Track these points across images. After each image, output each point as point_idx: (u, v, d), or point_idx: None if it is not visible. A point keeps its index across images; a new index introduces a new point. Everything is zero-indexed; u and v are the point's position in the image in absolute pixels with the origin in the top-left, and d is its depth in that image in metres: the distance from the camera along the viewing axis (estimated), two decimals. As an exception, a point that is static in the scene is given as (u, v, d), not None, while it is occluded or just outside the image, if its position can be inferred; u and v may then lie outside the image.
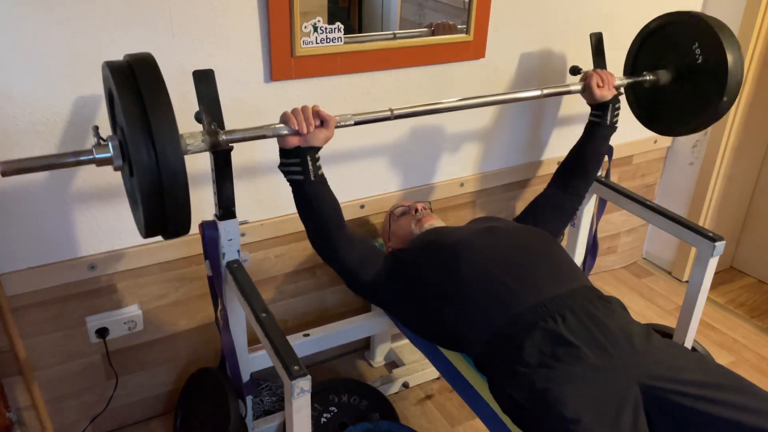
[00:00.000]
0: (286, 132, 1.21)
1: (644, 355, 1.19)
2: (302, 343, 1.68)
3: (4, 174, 0.98)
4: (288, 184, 1.31)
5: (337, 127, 1.28)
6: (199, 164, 1.55)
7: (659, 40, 1.78)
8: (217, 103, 1.25)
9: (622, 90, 1.71)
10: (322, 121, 1.24)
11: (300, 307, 1.91)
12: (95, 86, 1.35)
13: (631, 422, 1.07)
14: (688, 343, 1.74)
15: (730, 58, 1.59)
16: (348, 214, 1.83)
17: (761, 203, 2.52)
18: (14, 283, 1.44)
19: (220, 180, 1.28)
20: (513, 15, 1.84)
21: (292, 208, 1.76)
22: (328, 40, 1.54)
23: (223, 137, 1.19)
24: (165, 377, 1.77)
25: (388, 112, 1.37)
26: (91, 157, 1.04)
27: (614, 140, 1.95)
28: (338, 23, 1.53)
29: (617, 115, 1.65)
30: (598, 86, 1.60)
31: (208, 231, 1.35)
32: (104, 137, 1.06)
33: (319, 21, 1.51)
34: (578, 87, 1.63)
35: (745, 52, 2.15)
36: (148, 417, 1.80)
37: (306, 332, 1.72)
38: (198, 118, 1.26)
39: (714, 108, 1.65)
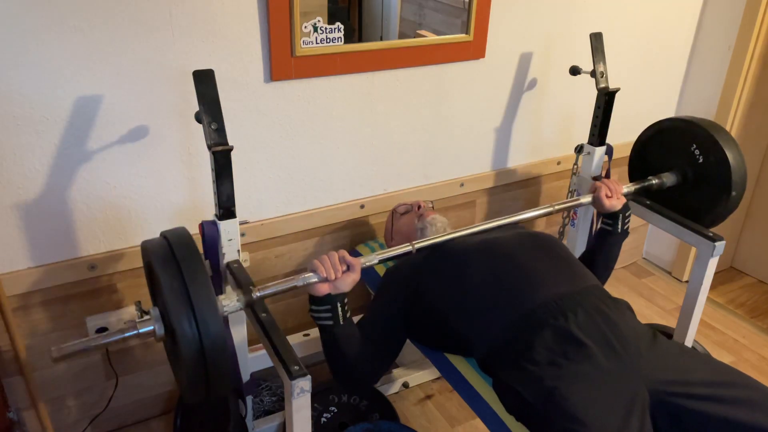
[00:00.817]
0: (315, 280, 1.23)
1: (652, 358, 1.19)
2: (302, 343, 1.68)
3: (56, 360, 1.04)
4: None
5: (363, 268, 1.29)
6: (200, 163, 1.55)
7: (657, 146, 1.83)
8: (217, 103, 1.25)
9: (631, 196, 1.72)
10: (348, 266, 1.26)
11: (300, 307, 1.91)
12: (95, 86, 1.35)
13: (638, 424, 1.07)
14: (688, 343, 1.74)
15: (730, 155, 1.63)
16: (348, 214, 1.83)
17: (761, 203, 2.52)
18: (14, 283, 1.44)
19: (220, 180, 1.28)
20: (513, 15, 1.84)
21: (291, 208, 1.76)
22: (328, 40, 1.54)
23: (256, 294, 1.21)
24: (165, 377, 1.77)
25: (410, 247, 1.38)
26: (135, 332, 1.09)
27: (614, 140, 1.95)
28: (338, 23, 1.53)
29: (628, 222, 1.64)
30: (607, 197, 1.60)
31: (208, 231, 1.35)
32: (146, 310, 1.11)
33: (319, 21, 1.51)
34: (588, 199, 1.64)
35: (745, 52, 2.16)
36: (148, 417, 1.80)
37: (306, 332, 1.71)
38: (198, 118, 1.26)
39: (724, 204, 1.68)
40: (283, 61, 1.52)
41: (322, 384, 1.81)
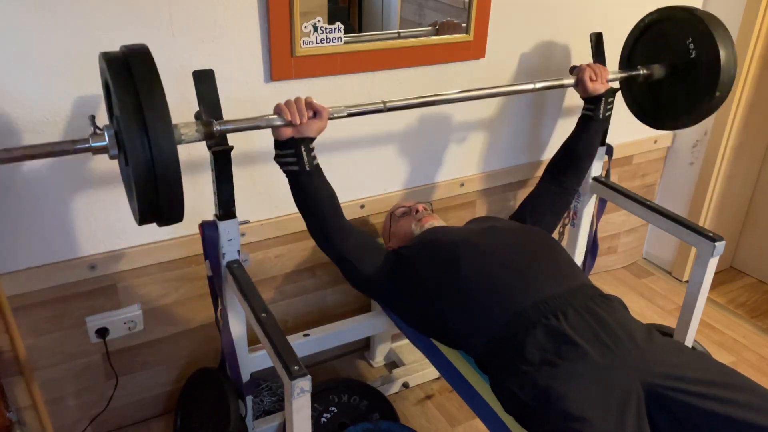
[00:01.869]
0: (279, 123, 1.22)
1: (646, 353, 1.19)
2: (302, 343, 1.68)
3: (1, 161, 1.00)
4: (285, 177, 1.32)
5: (330, 118, 1.29)
6: (199, 164, 1.55)
7: (654, 35, 1.79)
8: (217, 103, 1.25)
9: (617, 85, 1.71)
10: (315, 112, 1.25)
11: (300, 307, 1.91)
12: (95, 86, 1.35)
13: (635, 420, 1.08)
14: (688, 343, 1.74)
15: (722, 53, 1.59)
16: (348, 214, 1.82)
17: (761, 203, 2.52)
18: (14, 283, 1.44)
19: (220, 180, 1.28)
20: (513, 15, 1.84)
21: (291, 208, 1.76)
22: (328, 40, 1.54)
23: (217, 128, 1.20)
24: (165, 377, 1.77)
25: (381, 105, 1.38)
26: (87, 145, 1.06)
27: (614, 140, 1.95)
28: (338, 23, 1.53)
29: (610, 109, 1.66)
30: (591, 80, 1.61)
31: (208, 231, 1.35)
32: (101, 126, 1.08)
33: (319, 21, 1.51)
34: (571, 81, 1.64)
35: (745, 52, 2.15)
36: (148, 417, 1.80)
37: (306, 332, 1.71)
38: (198, 118, 1.26)
39: (707, 103, 1.66)
40: (283, 61, 1.52)
41: (322, 384, 1.82)
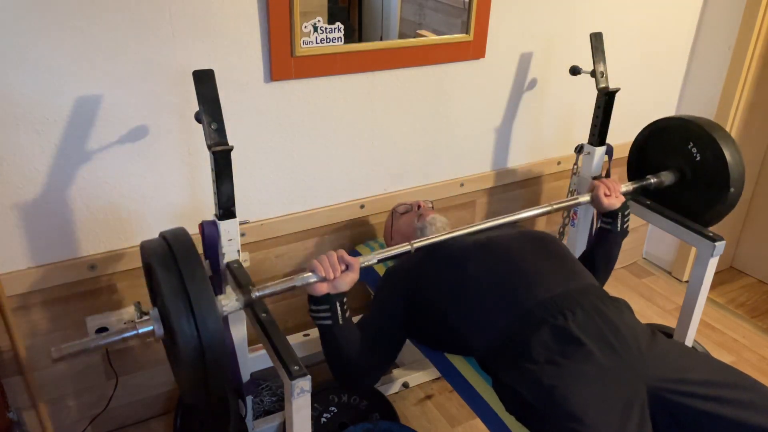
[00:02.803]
0: (314, 280, 1.23)
1: (650, 356, 1.19)
2: (302, 343, 1.68)
3: (55, 361, 1.07)
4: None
5: (362, 267, 1.29)
6: (199, 164, 1.55)
7: (654, 145, 1.83)
8: (217, 103, 1.25)
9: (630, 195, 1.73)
10: (347, 265, 1.26)
11: (300, 307, 1.91)
12: (95, 86, 1.36)
13: (637, 423, 1.07)
14: (688, 343, 1.74)
15: (726, 152, 1.63)
16: (348, 214, 1.83)
17: (761, 203, 2.52)
18: (14, 283, 1.44)
19: (220, 180, 1.28)
20: (513, 15, 1.84)
21: (291, 208, 1.76)
22: (328, 40, 1.54)
23: (255, 294, 1.21)
24: (165, 377, 1.77)
25: (409, 246, 1.39)
26: (134, 332, 1.08)
27: (614, 140, 1.95)
28: (338, 23, 1.53)
29: (627, 221, 1.64)
30: (606, 195, 1.61)
31: (208, 231, 1.35)
32: (146, 311, 1.11)
33: (319, 21, 1.51)
34: (586, 198, 1.65)
35: (745, 52, 2.16)
36: (148, 417, 1.80)
37: (306, 332, 1.71)
38: (198, 118, 1.26)
39: (723, 201, 1.68)
40: (283, 61, 1.52)
41: (322, 384, 1.81)
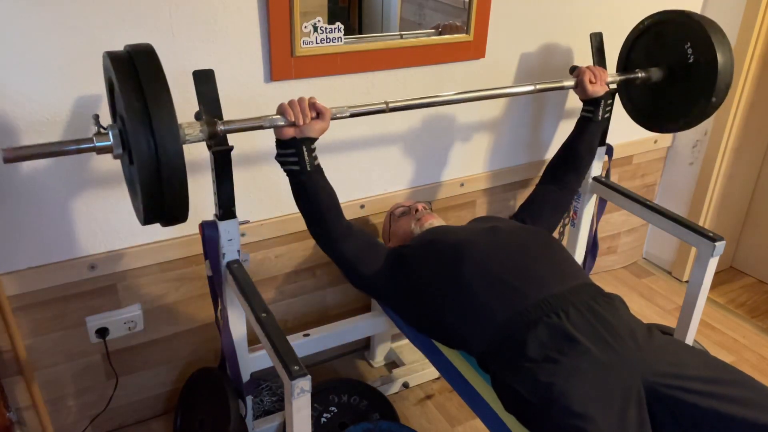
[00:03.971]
0: (282, 123, 1.23)
1: (647, 351, 1.19)
2: (302, 343, 1.68)
3: (6, 160, 1.00)
4: (285, 175, 1.33)
5: (333, 119, 1.30)
6: (200, 164, 1.55)
7: (652, 39, 1.79)
8: (217, 103, 1.25)
9: (615, 87, 1.72)
10: (318, 113, 1.26)
11: (300, 307, 1.91)
12: (95, 86, 1.35)
13: (636, 417, 1.08)
14: (688, 343, 1.74)
15: (720, 59, 1.60)
16: (348, 214, 1.82)
17: (761, 203, 2.52)
18: (14, 283, 1.44)
19: (220, 180, 1.28)
20: (513, 15, 1.84)
21: (292, 208, 1.76)
22: (328, 40, 1.54)
23: (220, 127, 1.20)
24: (165, 377, 1.77)
25: (384, 105, 1.39)
26: (91, 145, 1.06)
27: (614, 140, 1.95)
28: (338, 23, 1.53)
29: (609, 111, 1.68)
30: (591, 82, 1.63)
31: (208, 231, 1.35)
32: (104, 126, 1.08)
33: (319, 21, 1.51)
34: (571, 83, 1.66)
35: (745, 52, 2.15)
36: (148, 417, 1.80)
37: (306, 332, 1.72)
38: (198, 118, 1.26)
39: (702, 108, 1.66)
40: (283, 61, 1.52)
41: (322, 384, 1.82)
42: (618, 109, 1.84)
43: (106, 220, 1.50)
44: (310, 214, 1.35)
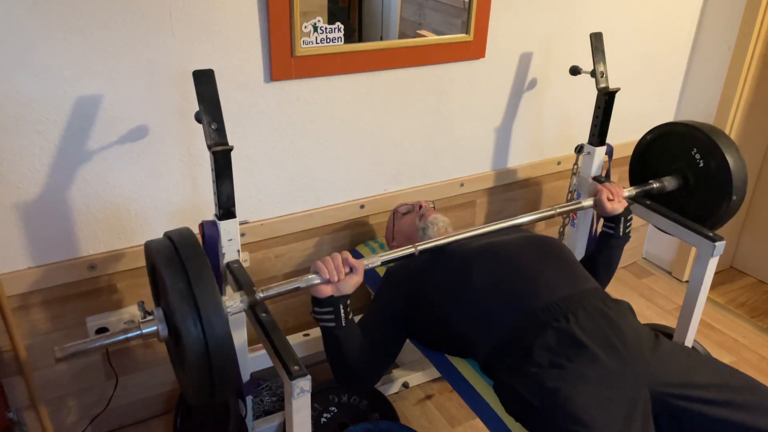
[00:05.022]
0: (318, 281, 1.23)
1: (654, 360, 1.19)
2: (302, 343, 1.68)
3: (58, 360, 1.03)
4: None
5: (366, 269, 1.29)
6: (200, 163, 1.55)
7: (657, 150, 1.84)
8: (217, 103, 1.25)
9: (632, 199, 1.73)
10: (351, 268, 1.26)
11: (300, 307, 1.91)
12: (95, 86, 1.36)
13: (641, 426, 1.07)
14: (688, 343, 1.74)
15: (730, 160, 1.64)
16: (348, 214, 1.83)
17: (761, 203, 2.52)
18: (14, 283, 1.44)
19: (220, 180, 1.28)
20: (513, 15, 1.84)
21: (292, 208, 1.76)
22: (328, 40, 1.54)
23: (260, 295, 1.22)
24: (165, 377, 1.77)
25: (413, 249, 1.38)
26: (138, 332, 1.08)
27: (614, 140, 1.95)
28: (338, 23, 1.53)
29: (630, 225, 1.64)
30: (609, 200, 1.61)
31: (208, 231, 1.35)
32: (149, 310, 1.10)
33: (319, 21, 1.51)
34: (590, 202, 1.65)
35: (745, 52, 2.16)
36: (148, 417, 1.80)
37: (306, 332, 1.71)
38: (198, 118, 1.26)
39: (725, 208, 1.69)
40: (283, 61, 1.52)
41: (322, 384, 1.81)
42: (618, 109, 1.84)
43: (106, 220, 1.50)
44: (340, 364, 1.33)
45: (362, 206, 1.84)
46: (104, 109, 1.39)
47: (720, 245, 1.60)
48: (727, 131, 2.27)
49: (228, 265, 1.37)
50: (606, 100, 1.78)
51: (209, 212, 1.39)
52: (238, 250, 1.38)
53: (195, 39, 1.42)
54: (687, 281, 1.88)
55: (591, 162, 1.87)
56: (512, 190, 2.14)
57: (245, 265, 1.39)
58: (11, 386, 1.54)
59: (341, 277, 1.23)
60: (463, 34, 1.76)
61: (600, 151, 1.87)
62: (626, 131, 2.21)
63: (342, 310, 1.25)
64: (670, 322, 2.23)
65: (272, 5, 1.45)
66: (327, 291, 1.23)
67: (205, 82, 1.24)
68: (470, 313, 1.32)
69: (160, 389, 1.78)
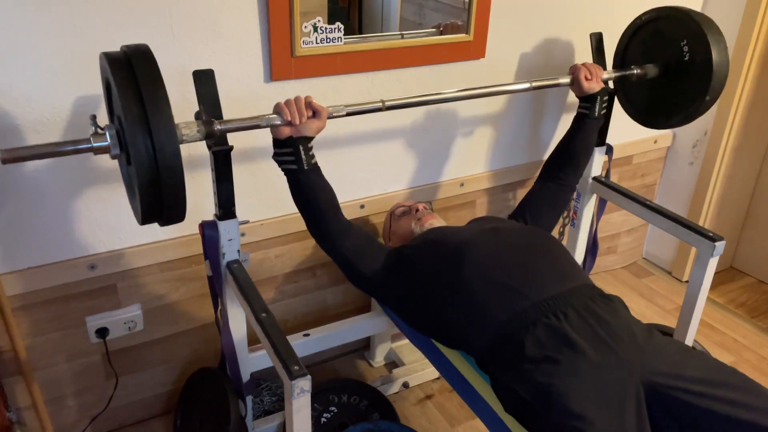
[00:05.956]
0: (279, 122, 1.23)
1: (646, 352, 1.19)
2: (302, 343, 1.68)
3: (4, 161, 1.00)
4: (283, 174, 1.33)
5: (329, 117, 1.30)
6: (200, 163, 1.55)
7: (649, 35, 1.79)
8: (217, 103, 1.25)
9: (612, 84, 1.73)
10: (315, 112, 1.27)
11: (300, 307, 1.91)
12: (95, 86, 1.36)
13: (635, 418, 1.08)
14: (688, 343, 1.74)
15: (715, 57, 1.61)
16: (348, 214, 1.82)
17: (761, 203, 2.52)
18: (14, 283, 1.44)
19: (220, 180, 1.28)
20: (513, 15, 1.84)
21: (292, 208, 1.76)
22: (328, 40, 1.54)
23: (218, 127, 1.21)
24: (165, 377, 1.77)
25: (380, 104, 1.39)
26: (88, 145, 1.06)
27: (614, 140, 1.95)
28: (338, 23, 1.53)
29: (605, 107, 1.68)
30: (586, 79, 1.64)
31: (208, 231, 1.35)
32: (102, 126, 1.08)
33: (319, 21, 1.51)
34: (567, 80, 1.66)
35: (745, 52, 2.16)
36: (148, 417, 1.80)
37: (306, 332, 1.72)
38: (198, 118, 1.26)
39: (696, 106, 1.67)
40: (283, 61, 1.52)
41: (322, 384, 1.82)
42: (618, 108, 1.84)
43: (106, 220, 1.50)
44: (308, 213, 1.36)
45: (362, 206, 1.84)
46: (104, 109, 1.39)
47: (720, 245, 1.60)
48: (727, 131, 2.28)
49: (228, 265, 1.37)
50: (606, 100, 1.78)
51: (209, 212, 1.39)
52: (238, 250, 1.38)
53: (195, 39, 1.42)
54: (687, 281, 1.88)
55: (591, 162, 1.87)
56: (512, 190, 2.14)
57: (245, 265, 1.39)
58: (11, 386, 1.54)
59: (303, 119, 1.24)
60: (463, 34, 1.76)
61: (600, 151, 1.87)
62: (626, 131, 2.21)
63: (303, 152, 1.25)
64: (670, 322, 2.23)
65: (272, 5, 1.45)
66: (286, 132, 1.25)
67: (205, 82, 1.25)
68: (463, 306, 1.33)
69: (160, 389, 1.78)
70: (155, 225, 1.54)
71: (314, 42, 1.52)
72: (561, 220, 2.04)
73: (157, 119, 0.99)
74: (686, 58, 1.67)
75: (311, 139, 1.29)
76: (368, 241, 1.46)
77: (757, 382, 1.16)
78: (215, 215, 1.34)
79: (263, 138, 1.60)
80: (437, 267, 1.39)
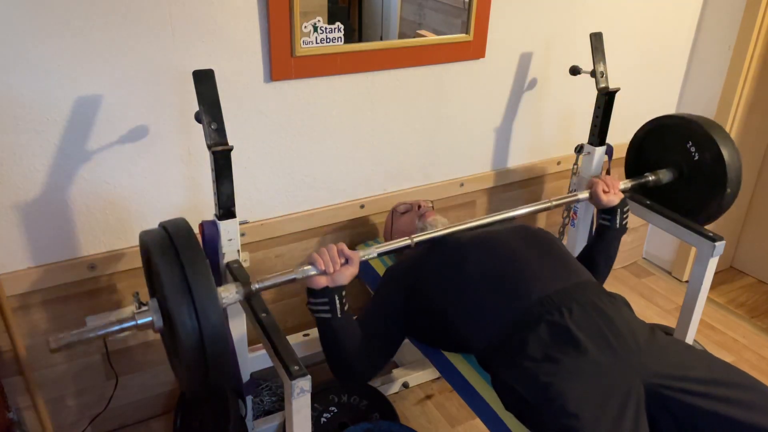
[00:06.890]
0: (314, 272, 1.23)
1: (648, 353, 1.19)
2: (302, 343, 1.68)
3: (52, 351, 1.03)
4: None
5: (361, 260, 1.29)
6: (200, 163, 1.55)
7: (653, 143, 1.83)
8: (217, 103, 1.25)
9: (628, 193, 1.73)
10: (347, 259, 1.26)
11: (300, 307, 1.91)
12: (95, 86, 1.36)
13: (633, 420, 1.08)
14: (688, 343, 1.74)
15: (725, 152, 1.63)
16: (348, 214, 1.83)
17: (761, 203, 2.52)
18: (14, 283, 1.44)
19: (220, 180, 1.28)
20: (513, 15, 1.84)
21: (292, 208, 1.76)
22: (328, 40, 1.54)
23: (255, 286, 1.21)
24: (165, 377, 1.77)
25: (409, 241, 1.39)
26: (133, 323, 1.08)
27: (614, 140, 1.95)
28: (338, 23, 1.53)
29: (626, 217, 1.64)
30: (604, 191, 1.62)
31: (208, 231, 1.35)
32: (144, 301, 1.10)
33: (319, 21, 1.51)
34: (585, 195, 1.65)
35: (745, 52, 2.16)
36: (148, 417, 1.80)
37: (306, 332, 1.71)
38: (198, 118, 1.26)
39: (719, 201, 1.68)
40: (283, 61, 1.52)
41: (322, 384, 1.81)
42: (617, 108, 1.84)
43: (106, 220, 1.50)
44: (335, 355, 1.33)
45: (362, 206, 1.84)
46: (104, 109, 1.39)
47: (720, 245, 1.60)
48: (726, 130, 2.27)
49: (228, 265, 1.37)
50: (606, 100, 1.78)
51: (209, 212, 1.39)
52: (238, 250, 1.38)
53: (195, 39, 1.42)
54: (687, 281, 1.88)
55: (591, 162, 1.87)
56: (512, 190, 2.14)
57: (245, 265, 1.39)
58: (11, 386, 1.54)
59: (336, 268, 1.23)
60: (463, 34, 1.76)
61: (600, 151, 1.87)
62: (626, 131, 2.21)
63: (337, 301, 1.25)
64: (670, 322, 2.23)
65: (272, 5, 1.45)
66: (322, 282, 1.24)
67: (205, 82, 1.24)
68: (465, 307, 1.33)
69: (160, 389, 1.78)
70: (154, 224, 1.55)
71: (314, 42, 1.52)
72: (561, 219, 2.04)
73: (201, 293, 1.00)
74: (696, 158, 1.71)
75: (345, 287, 1.27)
76: (382, 339, 1.41)
77: (760, 382, 1.16)
78: (215, 215, 1.34)
79: (264, 138, 1.60)
80: (441, 267, 1.39)
